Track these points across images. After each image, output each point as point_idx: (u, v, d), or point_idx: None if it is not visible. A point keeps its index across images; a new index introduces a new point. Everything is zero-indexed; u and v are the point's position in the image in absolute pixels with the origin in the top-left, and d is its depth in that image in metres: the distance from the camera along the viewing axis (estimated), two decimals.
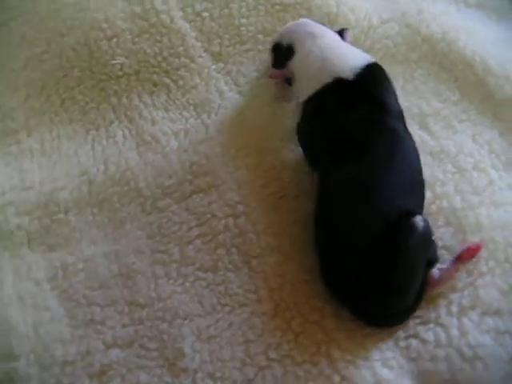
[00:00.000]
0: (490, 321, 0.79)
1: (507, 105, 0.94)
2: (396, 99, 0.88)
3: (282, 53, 0.94)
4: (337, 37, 0.94)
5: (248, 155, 0.96)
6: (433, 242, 0.81)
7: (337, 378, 0.78)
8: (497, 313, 0.79)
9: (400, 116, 0.87)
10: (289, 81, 0.97)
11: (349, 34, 1.00)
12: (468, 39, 0.98)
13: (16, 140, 1.04)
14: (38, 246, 0.94)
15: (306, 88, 0.89)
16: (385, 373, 0.78)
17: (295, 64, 0.93)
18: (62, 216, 0.96)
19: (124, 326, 0.86)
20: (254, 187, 0.94)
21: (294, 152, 0.95)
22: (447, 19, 1.01)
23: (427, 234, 0.79)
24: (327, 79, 0.86)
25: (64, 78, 1.05)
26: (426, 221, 0.79)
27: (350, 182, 0.81)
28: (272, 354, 0.81)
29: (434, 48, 0.99)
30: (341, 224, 0.81)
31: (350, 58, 0.88)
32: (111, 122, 1.03)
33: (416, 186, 0.84)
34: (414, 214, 0.78)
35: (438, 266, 0.81)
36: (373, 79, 0.87)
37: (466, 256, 0.82)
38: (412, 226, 0.76)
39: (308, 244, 0.86)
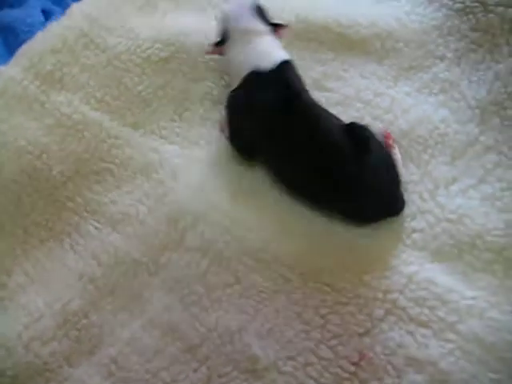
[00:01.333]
0: (453, 188, 0.97)
1: (367, 40, 1.16)
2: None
3: (223, 33, 1.09)
4: (266, 35, 1.08)
5: (209, 180, 1.08)
6: None
7: (380, 294, 0.91)
8: (455, 179, 0.98)
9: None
10: None
11: (286, 31, 1.11)
12: (310, 10, 1.20)
13: (0, 286, 1.06)
14: (79, 358, 0.96)
15: (233, 80, 1.07)
16: (411, 269, 0.92)
17: (227, 49, 1.09)
18: (85, 321, 0.99)
19: (195, 370, 0.92)
20: (228, 203, 1.05)
21: None
22: (293, 2, 1.23)
23: None
24: (246, 72, 1.04)
25: (17, 210, 1.09)
26: None
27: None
28: (323, 311, 0.92)
29: (294, 29, 1.19)
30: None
31: (267, 57, 1.04)
32: (78, 224, 1.09)
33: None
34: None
35: None
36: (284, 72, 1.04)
37: (388, 139, 1.03)
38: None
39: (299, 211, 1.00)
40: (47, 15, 1.44)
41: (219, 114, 1.15)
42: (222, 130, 1.13)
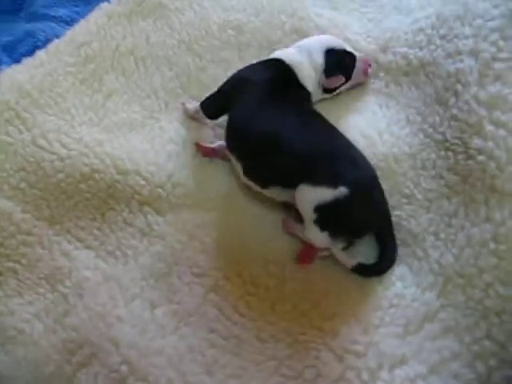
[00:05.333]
0: (399, 372, 0.74)
1: None
2: None
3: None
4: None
5: (116, 307, 0.86)
6: None
7: None
8: (403, 361, 0.74)
9: None
10: None
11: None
12: None
13: None
14: None
15: None
16: None
17: None
18: None
19: None
20: (134, 340, 0.82)
21: None
22: None
23: None
24: None
25: None
26: None
27: None
28: None
29: None
30: None
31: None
32: None
33: None
34: None
35: None
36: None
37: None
38: None
39: None
40: None
41: (145, 218, 0.93)
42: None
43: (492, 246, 0.72)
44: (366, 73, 0.98)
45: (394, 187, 0.85)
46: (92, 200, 0.95)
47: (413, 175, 0.85)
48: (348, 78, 0.95)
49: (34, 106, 1.00)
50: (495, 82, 0.77)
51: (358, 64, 0.96)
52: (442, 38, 0.89)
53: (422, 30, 0.93)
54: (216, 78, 1.04)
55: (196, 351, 0.81)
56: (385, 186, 0.84)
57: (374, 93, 0.96)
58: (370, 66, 0.98)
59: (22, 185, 0.96)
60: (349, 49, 0.97)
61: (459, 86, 0.81)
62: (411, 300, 0.78)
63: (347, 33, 1.03)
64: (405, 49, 0.95)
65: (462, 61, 0.82)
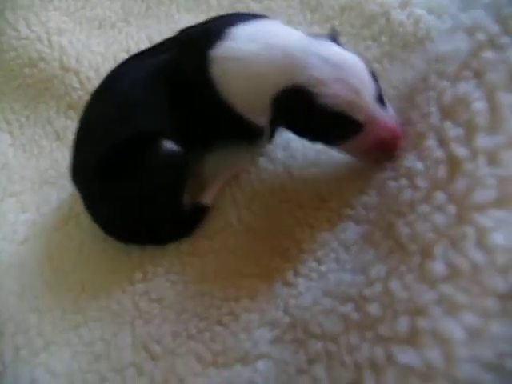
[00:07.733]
0: None
1: None
2: None
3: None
4: None
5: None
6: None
7: None
8: None
9: None
10: None
11: None
12: None
13: None
14: None
15: None
16: None
17: None
18: None
19: None
20: None
21: None
22: None
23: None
24: None
25: None
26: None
27: None
28: None
29: None
30: None
31: None
32: None
33: None
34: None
35: None
36: None
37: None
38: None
39: None
40: None
41: (65, 122, 0.83)
42: None
43: None
44: (384, 146, 0.52)
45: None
46: (32, 87, 0.88)
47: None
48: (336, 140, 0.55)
49: None
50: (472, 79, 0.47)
51: (371, 128, 0.52)
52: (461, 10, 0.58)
53: None
54: (220, 4, 0.86)
55: (28, 273, 0.70)
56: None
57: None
58: (397, 139, 0.52)
59: None
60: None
61: (434, 78, 0.52)
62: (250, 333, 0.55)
63: None
64: (423, 12, 0.65)
65: (456, 40, 0.52)
